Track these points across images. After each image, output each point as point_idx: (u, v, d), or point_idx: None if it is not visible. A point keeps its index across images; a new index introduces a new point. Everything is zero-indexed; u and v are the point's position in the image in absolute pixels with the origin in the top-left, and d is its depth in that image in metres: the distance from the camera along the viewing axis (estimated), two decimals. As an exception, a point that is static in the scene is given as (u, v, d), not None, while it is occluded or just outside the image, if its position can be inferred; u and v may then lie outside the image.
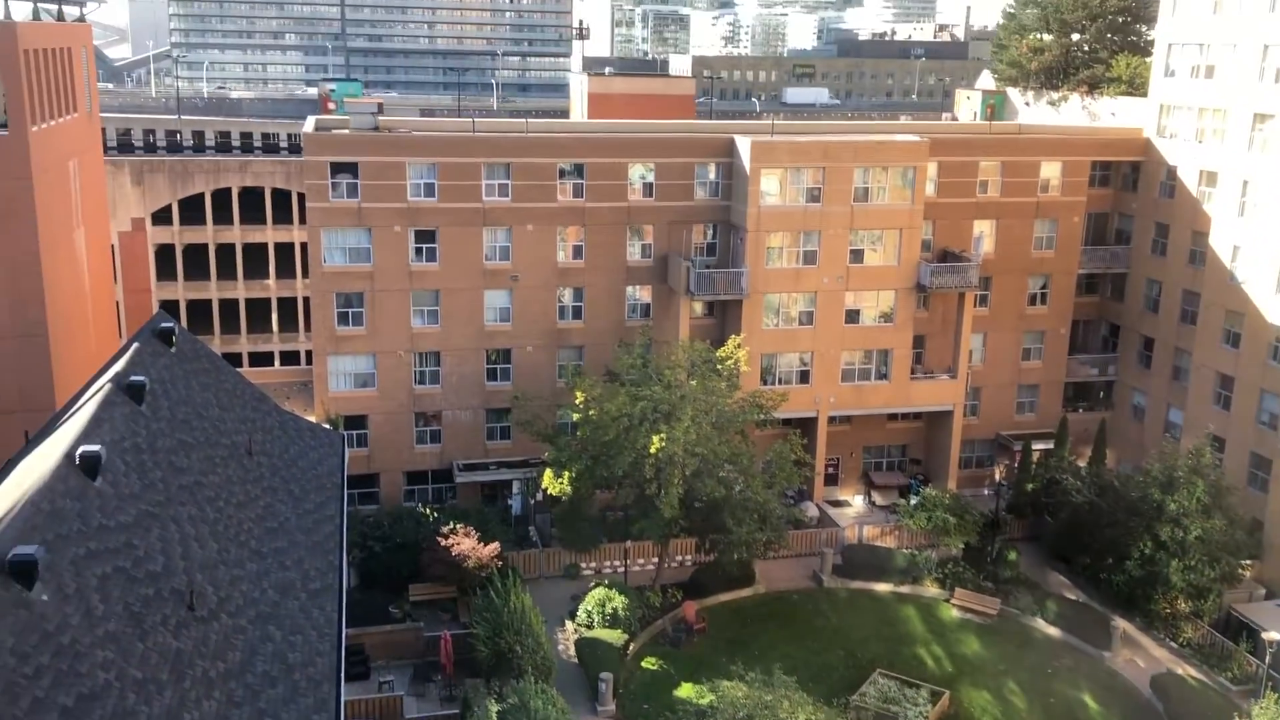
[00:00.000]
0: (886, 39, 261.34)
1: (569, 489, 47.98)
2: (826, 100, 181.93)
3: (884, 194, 55.06)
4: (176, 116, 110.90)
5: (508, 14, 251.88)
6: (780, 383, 55.39)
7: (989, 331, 60.07)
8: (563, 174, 54.07)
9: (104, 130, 71.11)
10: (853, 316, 56.09)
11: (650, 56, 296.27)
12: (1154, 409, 59.29)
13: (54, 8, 54.57)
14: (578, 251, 54.78)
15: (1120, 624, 47.23)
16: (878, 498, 59.58)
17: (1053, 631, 48.01)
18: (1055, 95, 72.30)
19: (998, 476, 59.83)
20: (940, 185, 57.49)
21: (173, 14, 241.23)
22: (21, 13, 52.19)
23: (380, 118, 58.09)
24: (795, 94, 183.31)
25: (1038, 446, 57.30)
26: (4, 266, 45.17)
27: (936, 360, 59.06)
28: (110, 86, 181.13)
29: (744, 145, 53.73)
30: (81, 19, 58.38)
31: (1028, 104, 74.63)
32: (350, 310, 52.82)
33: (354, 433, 52.47)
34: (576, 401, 48.22)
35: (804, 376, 56.23)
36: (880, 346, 56.77)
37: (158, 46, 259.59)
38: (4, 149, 44.57)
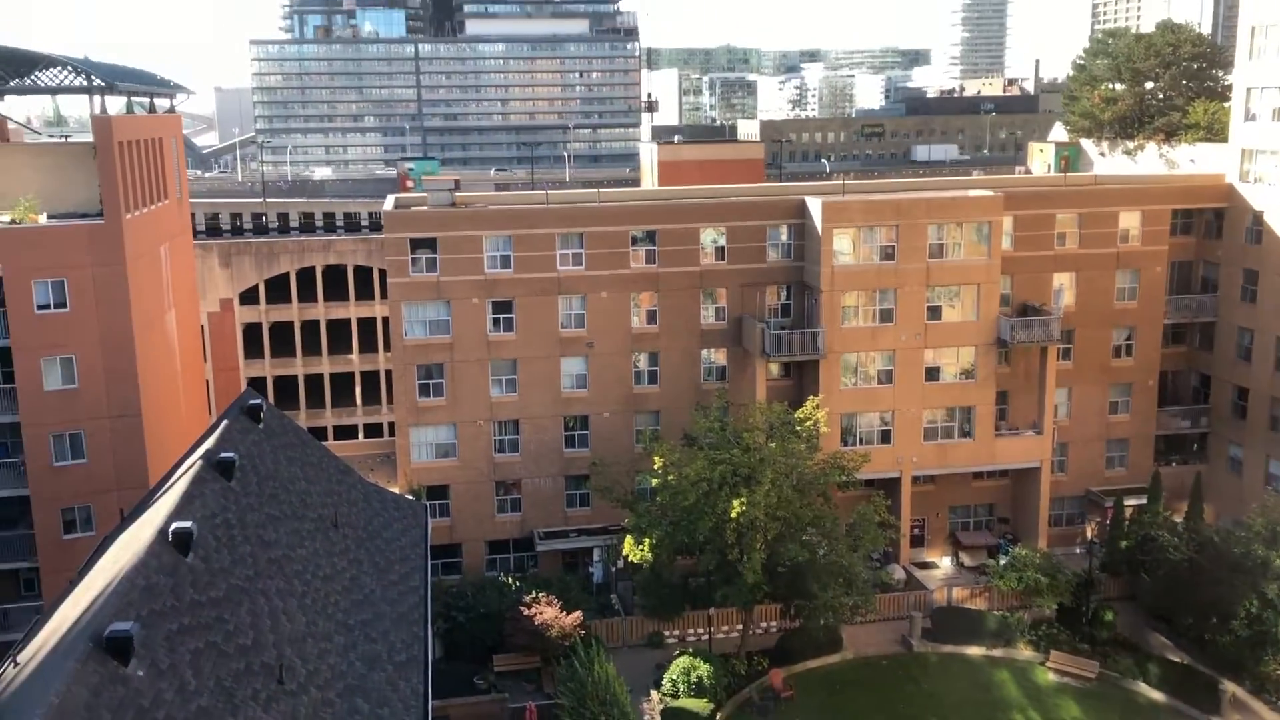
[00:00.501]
0: (955, 95, 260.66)
1: (650, 556, 47.70)
2: (956, 156, 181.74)
3: (959, 249, 54.59)
4: (262, 200, 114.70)
5: (578, 89, 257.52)
6: (861, 443, 54.70)
7: (1074, 385, 58.78)
8: (635, 241, 54.61)
9: (193, 215, 73.88)
10: (933, 374, 55.38)
11: (718, 123, 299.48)
12: (1252, 461, 57.23)
13: (146, 101, 57.18)
14: (652, 317, 55.09)
15: (1229, 687, 45.22)
16: (966, 558, 58.17)
17: (1156, 695, 46.14)
18: (1131, 144, 71.25)
19: (1089, 534, 58.14)
20: (1017, 239, 56.84)
21: (257, 101, 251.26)
22: (115, 106, 54.70)
23: (457, 193, 59.43)
24: (924, 151, 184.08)
25: (1130, 502, 55.64)
26: (100, 349, 46.90)
27: (1021, 416, 57.87)
28: (199, 173, 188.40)
29: (815, 206, 53.79)
30: (171, 110, 61.06)
31: (1103, 154, 73.66)
32: (431, 381, 53.65)
33: (436, 503, 52.96)
34: (655, 467, 48.13)
35: (885, 436, 55.50)
36: (962, 403, 55.85)
37: (243, 133, 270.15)
38: (99, 237, 46.55)
